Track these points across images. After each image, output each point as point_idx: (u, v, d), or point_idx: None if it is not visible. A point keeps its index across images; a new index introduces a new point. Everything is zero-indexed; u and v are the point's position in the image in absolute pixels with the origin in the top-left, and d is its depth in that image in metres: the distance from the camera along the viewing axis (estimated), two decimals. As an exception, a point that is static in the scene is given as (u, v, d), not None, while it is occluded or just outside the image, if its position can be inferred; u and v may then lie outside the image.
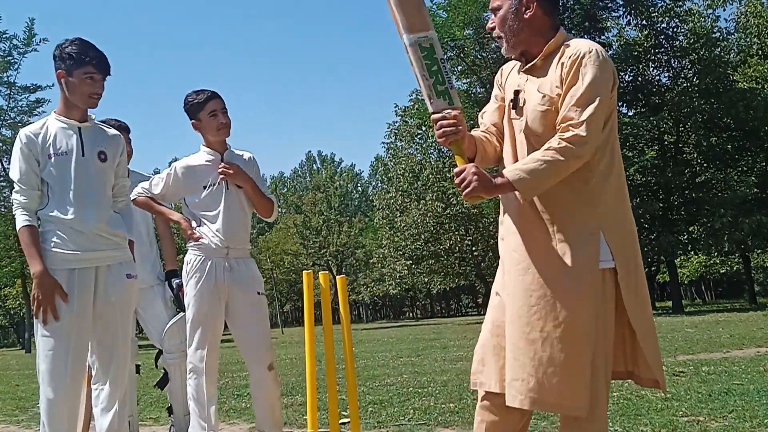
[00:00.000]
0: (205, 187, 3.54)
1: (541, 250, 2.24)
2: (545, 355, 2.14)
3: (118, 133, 3.24)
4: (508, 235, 2.34)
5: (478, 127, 2.54)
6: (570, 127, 2.13)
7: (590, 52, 2.18)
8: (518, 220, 2.31)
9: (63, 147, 3.00)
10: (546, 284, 2.20)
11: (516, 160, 2.31)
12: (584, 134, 2.10)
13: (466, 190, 2.18)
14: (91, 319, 2.98)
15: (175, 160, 3.69)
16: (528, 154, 2.24)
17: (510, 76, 2.43)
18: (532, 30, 2.28)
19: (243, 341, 3.54)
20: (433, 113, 2.30)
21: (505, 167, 2.29)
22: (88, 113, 3.10)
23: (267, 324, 3.61)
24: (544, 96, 2.24)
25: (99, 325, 3.01)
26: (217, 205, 3.53)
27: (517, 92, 2.33)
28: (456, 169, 2.23)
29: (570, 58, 2.19)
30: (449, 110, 2.29)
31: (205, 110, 3.53)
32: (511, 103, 2.35)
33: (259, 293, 3.57)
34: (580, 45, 2.22)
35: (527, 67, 2.33)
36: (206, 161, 3.59)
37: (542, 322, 2.17)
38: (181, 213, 3.68)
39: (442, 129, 2.26)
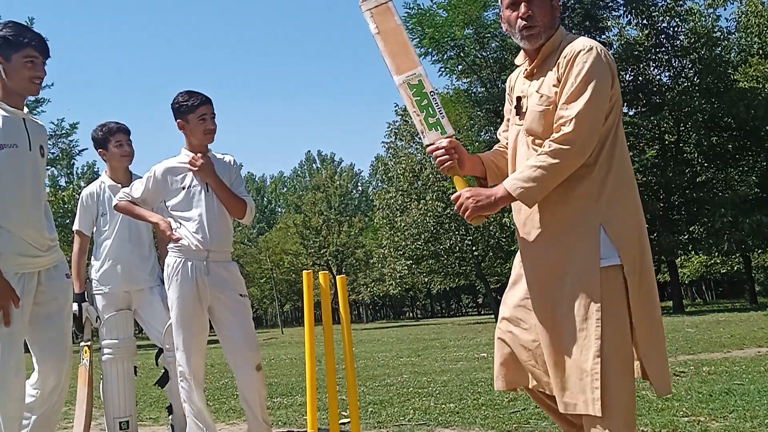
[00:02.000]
0: (184, 188, 3.54)
1: (542, 250, 2.23)
2: (558, 359, 2.16)
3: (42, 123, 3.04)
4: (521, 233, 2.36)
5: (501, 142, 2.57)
6: (561, 126, 2.12)
7: (585, 50, 2.16)
8: (520, 219, 2.33)
9: (13, 139, 2.72)
10: (547, 287, 2.21)
11: (514, 163, 2.32)
12: (571, 130, 2.09)
13: (466, 214, 2.21)
14: (28, 321, 2.86)
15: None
16: (526, 157, 2.24)
17: (516, 85, 2.42)
18: (554, 23, 2.28)
19: (229, 344, 3.55)
20: (428, 145, 2.39)
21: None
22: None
23: (251, 325, 3.62)
24: (541, 96, 2.23)
25: (47, 325, 2.91)
26: (197, 206, 3.52)
27: (519, 98, 2.34)
28: (453, 197, 2.27)
29: (566, 57, 2.18)
30: (442, 140, 2.36)
31: (195, 113, 3.53)
32: (515, 110, 2.36)
33: (241, 295, 3.58)
34: (576, 43, 2.21)
35: (529, 70, 2.32)
36: (187, 163, 3.58)
37: (548, 328, 2.19)
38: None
39: (438, 159, 2.34)
